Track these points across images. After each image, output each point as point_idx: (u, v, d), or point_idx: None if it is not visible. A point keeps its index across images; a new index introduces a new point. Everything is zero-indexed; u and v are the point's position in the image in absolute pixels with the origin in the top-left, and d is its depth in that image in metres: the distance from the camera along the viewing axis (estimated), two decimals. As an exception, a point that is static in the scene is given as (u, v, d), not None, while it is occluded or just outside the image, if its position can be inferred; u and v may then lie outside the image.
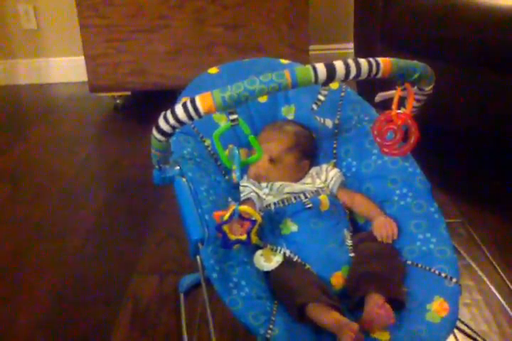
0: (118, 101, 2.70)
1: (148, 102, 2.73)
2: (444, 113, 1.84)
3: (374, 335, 0.93)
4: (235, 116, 0.91)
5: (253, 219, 0.96)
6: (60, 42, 2.98)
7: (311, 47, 2.64)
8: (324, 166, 1.23)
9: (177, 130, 0.90)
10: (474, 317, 1.29)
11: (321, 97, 1.10)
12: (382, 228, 1.08)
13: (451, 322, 0.96)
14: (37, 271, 1.53)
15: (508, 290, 1.37)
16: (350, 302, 1.01)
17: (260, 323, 0.91)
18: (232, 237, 0.95)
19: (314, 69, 0.84)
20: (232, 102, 0.86)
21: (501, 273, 1.43)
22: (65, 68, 3.02)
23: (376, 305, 0.92)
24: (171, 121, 0.88)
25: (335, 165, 1.26)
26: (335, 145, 1.27)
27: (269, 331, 0.90)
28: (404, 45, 1.89)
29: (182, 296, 1.37)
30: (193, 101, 0.85)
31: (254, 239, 0.97)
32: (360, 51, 2.29)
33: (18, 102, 2.91)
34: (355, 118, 1.25)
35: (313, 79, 0.84)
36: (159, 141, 0.94)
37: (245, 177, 1.21)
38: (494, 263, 1.47)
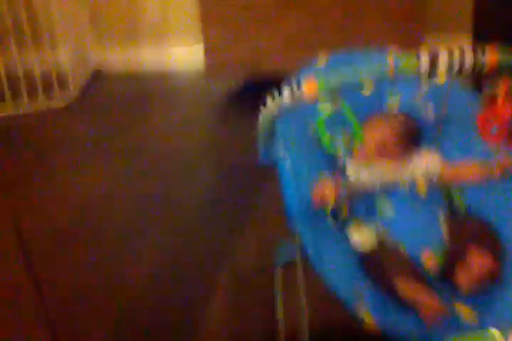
0: (231, 88, 2.84)
1: (260, 91, 2.83)
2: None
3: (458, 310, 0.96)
4: (338, 104, 0.96)
5: None
6: (180, 33, 3.17)
7: (427, 36, 2.59)
8: (425, 152, 1.25)
9: (282, 112, 0.98)
10: None
11: (425, 88, 1.12)
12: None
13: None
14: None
15: None
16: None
17: (353, 296, 0.97)
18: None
19: (418, 58, 0.87)
20: (335, 87, 0.93)
21: None
22: (184, 57, 3.21)
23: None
24: (278, 102, 0.96)
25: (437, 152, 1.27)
26: (438, 135, 1.28)
27: (359, 303, 0.97)
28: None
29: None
30: (298, 84, 0.92)
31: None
32: (478, 42, 2.22)
33: (141, 87, 3.14)
34: (461, 111, 1.25)
35: (415, 69, 0.87)
36: (266, 122, 1.02)
37: (350, 160, 1.25)
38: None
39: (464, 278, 0.97)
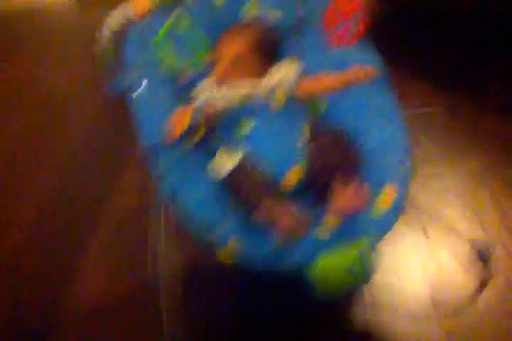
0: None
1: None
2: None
3: (325, 220, 1.00)
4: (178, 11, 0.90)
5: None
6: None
7: None
8: (284, 62, 1.21)
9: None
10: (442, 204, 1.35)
11: None
12: (358, 68, 1.07)
13: (401, 202, 1.02)
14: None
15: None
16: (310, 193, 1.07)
17: (214, 223, 0.99)
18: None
19: None
20: None
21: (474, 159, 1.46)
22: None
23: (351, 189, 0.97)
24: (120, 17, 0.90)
25: (296, 60, 1.22)
26: (297, 41, 1.24)
27: (221, 230, 0.98)
28: None
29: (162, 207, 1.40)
30: None
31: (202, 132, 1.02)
32: None
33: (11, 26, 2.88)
34: (317, 11, 1.21)
35: None
36: (109, 42, 0.96)
37: (205, 80, 1.19)
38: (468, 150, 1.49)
39: (332, 211, 0.99)
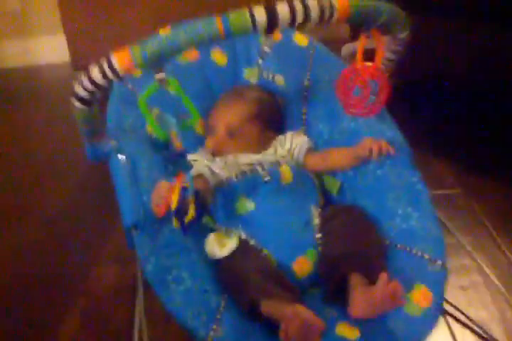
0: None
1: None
2: (440, 67, 1.68)
3: (340, 332, 0.79)
4: (162, 76, 0.77)
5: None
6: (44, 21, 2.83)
7: None
8: (289, 134, 1.07)
9: (97, 95, 0.77)
10: (472, 303, 1.13)
11: (266, 49, 0.97)
12: (369, 142, 0.93)
13: (435, 314, 0.80)
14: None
15: (513, 270, 1.21)
16: (323, 289, 0.87)
17: (201, 323, 0.76)
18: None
19: (251, 13, 0.70)
20: (154, 57, 0.75)
21: (506, 251, 1.26)
22: (50, 48, 2.88)
23: (382, 284, 0.76)
24: (87, 84, 0.75)
25: (304, 133, 1.09)
26: (304, 111, 1.11)
27: (212, 332, 0.75)
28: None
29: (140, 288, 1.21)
30: (109, 59, 0.72)
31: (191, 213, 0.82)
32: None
33: (5, 85, 2.78)
34: (326, 79, 1.08)
35: (250, 24, 0.71)
36: (80, 110, 0.81)
37: (200, 149, 1.06)
38: (498, 240, 1.29)
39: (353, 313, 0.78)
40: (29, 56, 2.89)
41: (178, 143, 0.85)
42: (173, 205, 0.81)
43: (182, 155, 1.05)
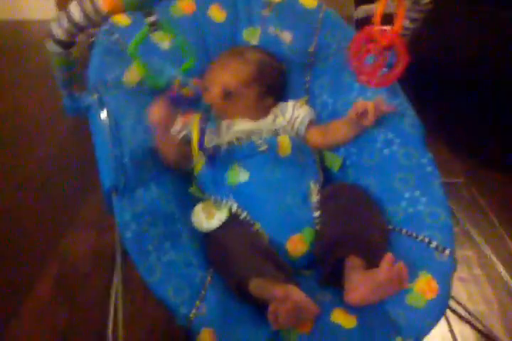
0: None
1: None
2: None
3: (335, 318, 0.71)
4: (152, 19, 0.67)
5: None
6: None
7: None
8: (291, 103, 0.98)
9: (76, 37, 0.67)
10: (472, 296, 1.06)
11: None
12: (359, 105, 0.84)
13: (440, 307, 0.72)
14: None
15: (515, 263, 1.13)
16: (318, 271, 0.79)
17: (182, 299, 0.69)
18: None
19: None
20: None
21: (509, 242, 1.19)
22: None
23: (387, 265, 0.68)
24: (65, 24, 0.65)
25: (307, 103, 1.00)
26: (308, 79, 1.02)
27: (194, 310, 0.68)
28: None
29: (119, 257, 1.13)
30: None
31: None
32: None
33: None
34: (334, 46, 0.99)
35: None
36: (57, 54, 0.71)
37: None
38: (501, 231, 1.22)
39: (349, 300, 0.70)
40: (17, 11, 2.77)
41: (187, 92, 0.76)
42: (195, 139, 0.80)
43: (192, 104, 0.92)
